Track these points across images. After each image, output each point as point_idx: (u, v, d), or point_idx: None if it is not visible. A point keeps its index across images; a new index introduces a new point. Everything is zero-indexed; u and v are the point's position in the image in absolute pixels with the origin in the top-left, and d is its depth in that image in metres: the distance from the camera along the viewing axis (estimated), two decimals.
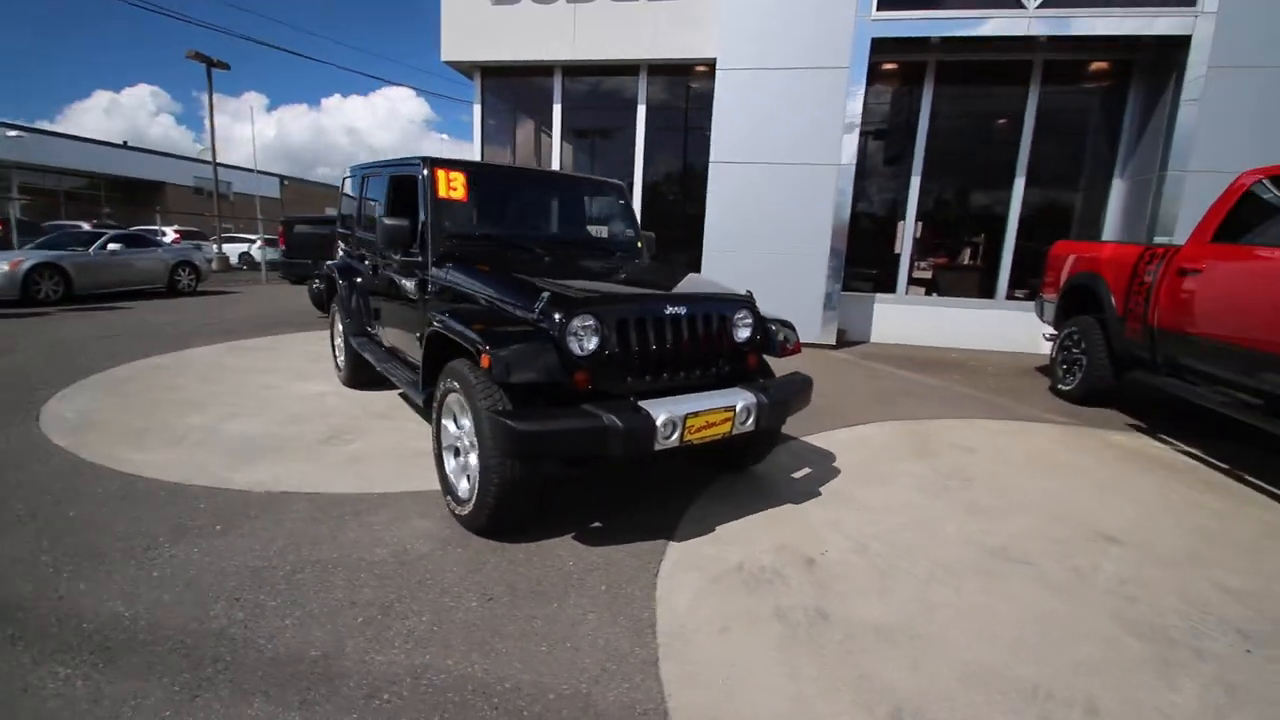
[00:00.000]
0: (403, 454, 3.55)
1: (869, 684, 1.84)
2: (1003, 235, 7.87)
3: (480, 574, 2.35)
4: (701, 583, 2.36)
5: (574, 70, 8.63)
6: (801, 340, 3.33)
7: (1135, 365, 4.81)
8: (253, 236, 22.71)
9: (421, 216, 3.35)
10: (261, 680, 1.76)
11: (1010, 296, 7.96)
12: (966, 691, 1.82)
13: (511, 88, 9.15)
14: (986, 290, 8.07)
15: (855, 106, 7.12)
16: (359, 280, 4.48)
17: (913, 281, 8.27)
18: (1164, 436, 4.50)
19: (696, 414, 2.52)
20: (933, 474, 3.59)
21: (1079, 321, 5.37)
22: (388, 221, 3.28)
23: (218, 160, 18.65)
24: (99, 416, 4.02)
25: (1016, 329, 7.65)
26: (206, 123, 18.34)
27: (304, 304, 9.22)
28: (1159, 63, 6.92)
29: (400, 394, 4.71)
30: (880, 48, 7.11)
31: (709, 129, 8.22)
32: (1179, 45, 6.49)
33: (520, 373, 2.32)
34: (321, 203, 40.49)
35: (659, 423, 2.39)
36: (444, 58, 8.60)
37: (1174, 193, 6.61)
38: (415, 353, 3.50)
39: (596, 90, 8.90)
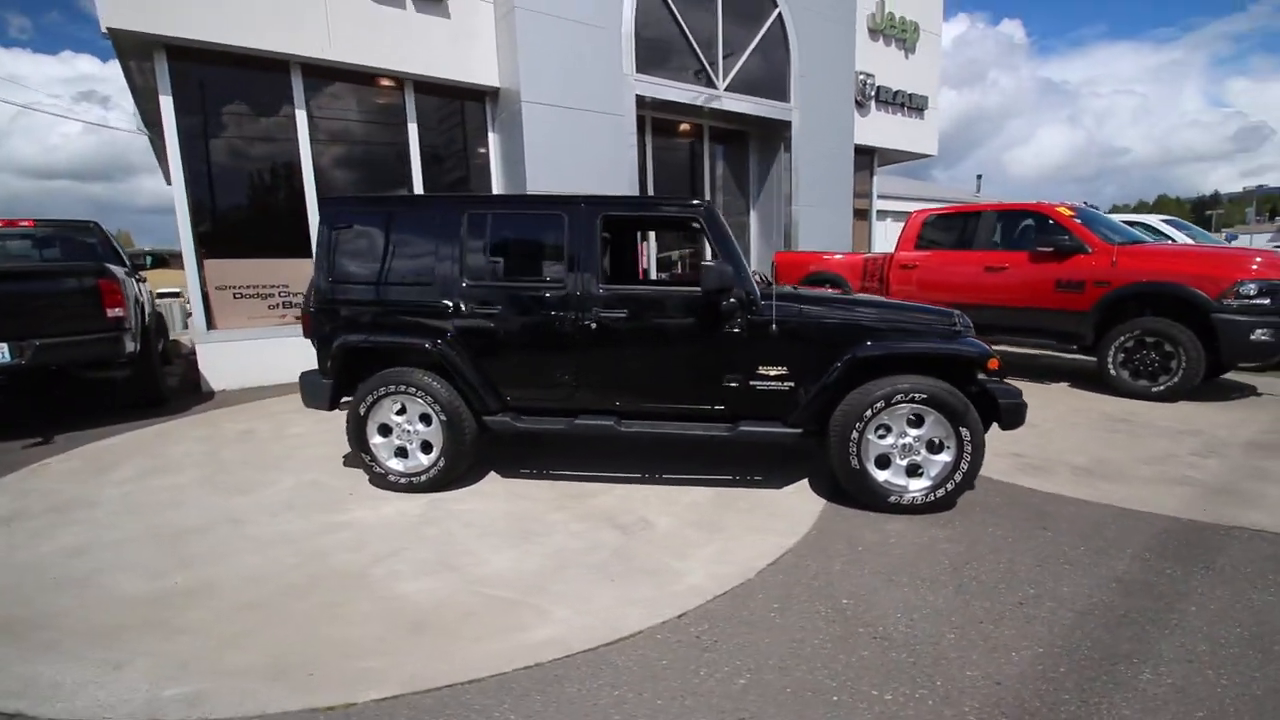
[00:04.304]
0: (728, 502, 3.38)
1: (1152, 490, 3.69)
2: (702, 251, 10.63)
3: (1013, 536, 3.11)
4: (1044, 486, 3.71)
5: (320, 72, 7.00)
6: None
7: None
8: None
9: (715, 258, 3.30)
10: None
11: None
12: (1169, 464, 3.87)
13: (221, 80, 6.63)
14: None
15: (633, 147, 8.47)
16: (495, 346, 3.50)
17: None
18: None
19: None
20: None
21: None
22: (717, 267, 3.14)
23: None
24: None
25: None
26: None
27: None
28: (768, 134, 10.68)
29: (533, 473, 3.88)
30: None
31: (488, 155, 8.21)
32: (785, 125, 10.29)
33: (1003, 369, 3.16)
34: None
35: None
36: (106, 24, 5.66)
37: (795, 221, 10.51)
38: (707, 398, 3.42)
39: (353, 99, 7.40)
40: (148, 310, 6.24)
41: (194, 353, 8.20)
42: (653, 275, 9.59)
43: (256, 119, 6.91)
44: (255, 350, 6.86)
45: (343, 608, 2.46)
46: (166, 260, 7.90)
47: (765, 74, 9.90)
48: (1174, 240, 8.29)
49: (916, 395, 3.12)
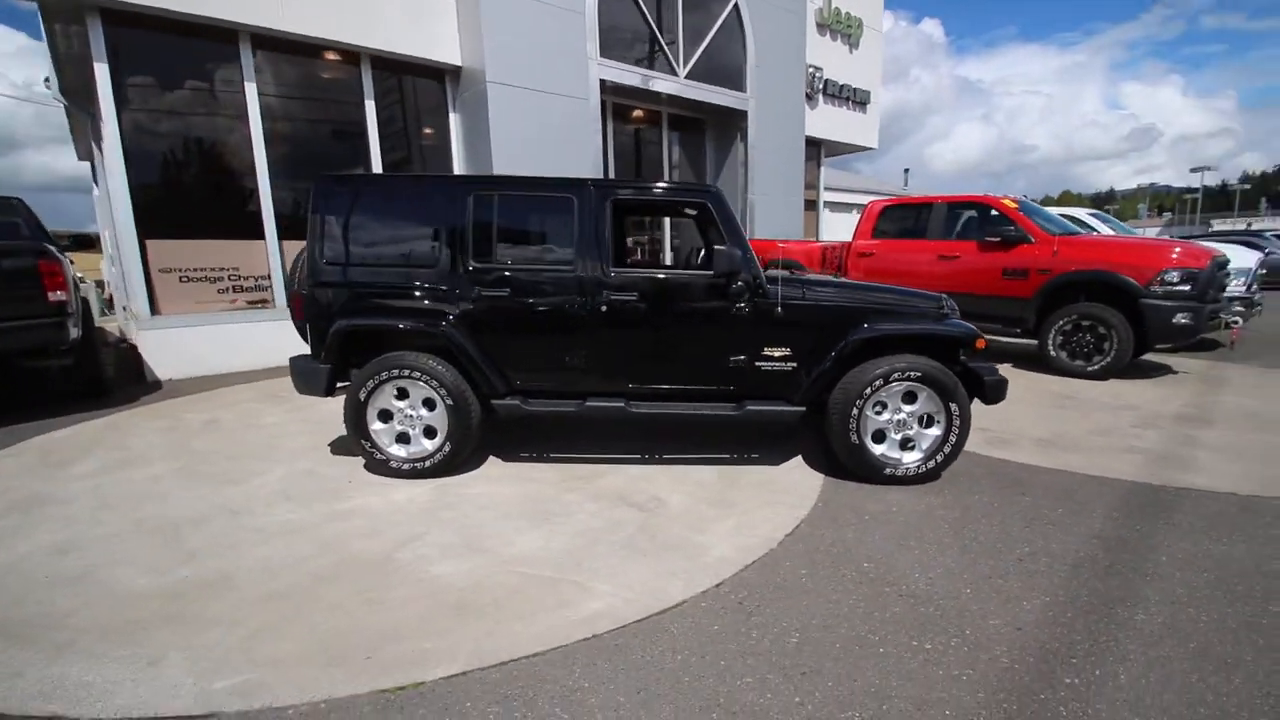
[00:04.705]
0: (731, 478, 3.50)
1: (1103, 455, 4.08)
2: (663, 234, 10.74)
3: (999, 502, 3.38)
4: (1015, 457, 4.04)
5: (272, 44, 6.59)
6: None
7: None
8: None
9: (724, 244, 3.39)
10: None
11: None
12: (1104, 429, 4.28)
13: (164, 48, 6.12)
14: None
15: (599, 133, 8.44)
16: (502, 329, 3.48)
17: None
18: None
19: None
20: None
21: None
22: (728, 251, 3.23)
23: None
24: None
25: None
26: None
27: None
28: (725, 123, 10.85)
29: (534, 456, 3.87)
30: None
31: (448, 135, 8.02)
32: (741, 115, 10.48)
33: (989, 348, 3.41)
34: None
35: None
36: None
37: (752, 209, 10.76)
38: (715, 379, 3.53)
39: (308, 73, 7.00)
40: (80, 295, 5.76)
41: (122, 341, 7.67)
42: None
43: (202, 91, 6.46)
44: (205, 337, 6.46)
45: (378, 593, 2.43)
46: (94, 241, 7.30)
47: (723, 63, 10.04)
48: (1099, 232, 9.03)
49: (912, 373, 3.32)
